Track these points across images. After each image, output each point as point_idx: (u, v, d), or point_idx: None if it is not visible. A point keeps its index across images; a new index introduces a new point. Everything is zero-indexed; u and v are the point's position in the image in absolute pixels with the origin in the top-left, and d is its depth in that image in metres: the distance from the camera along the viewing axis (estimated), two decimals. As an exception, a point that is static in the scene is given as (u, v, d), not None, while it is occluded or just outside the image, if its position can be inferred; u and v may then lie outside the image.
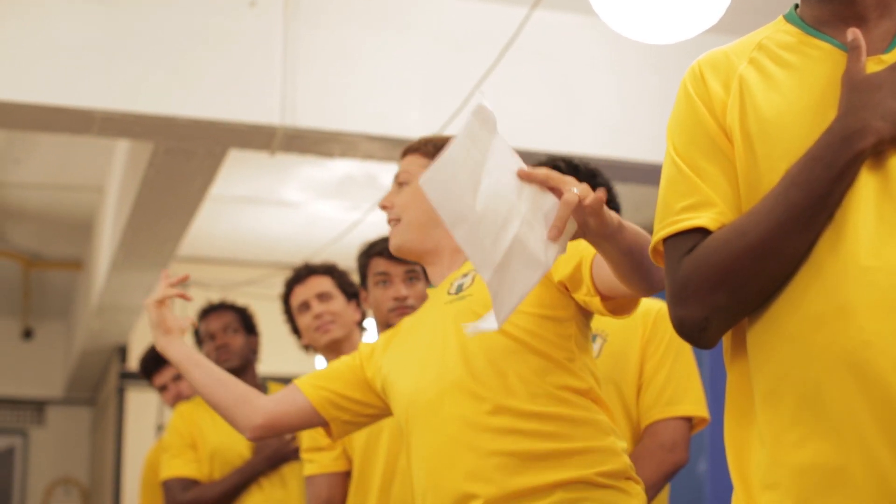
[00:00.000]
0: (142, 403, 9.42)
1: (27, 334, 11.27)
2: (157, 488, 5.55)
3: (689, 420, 3.08)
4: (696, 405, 3.10)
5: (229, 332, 4.83)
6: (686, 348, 3.16)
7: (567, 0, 5.24)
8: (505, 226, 2.02)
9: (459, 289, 2.56)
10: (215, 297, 5.42)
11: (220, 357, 4.79)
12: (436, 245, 2.67)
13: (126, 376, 9.54)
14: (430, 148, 2.74)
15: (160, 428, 8.81)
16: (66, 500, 11.34)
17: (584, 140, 5.31)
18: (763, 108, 1.68)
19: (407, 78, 5.21)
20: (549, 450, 2.37)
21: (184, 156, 5.37)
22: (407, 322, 2.76)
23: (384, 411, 2.75)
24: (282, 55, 5.03)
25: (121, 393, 9.57)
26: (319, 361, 6.42)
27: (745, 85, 1.71)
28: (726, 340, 1.74)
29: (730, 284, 1.63)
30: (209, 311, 4.93)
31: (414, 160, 2.75)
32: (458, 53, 5.28)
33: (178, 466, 4.71)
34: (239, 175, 7.41)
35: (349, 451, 3.51)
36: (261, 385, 4.90)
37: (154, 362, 5.57)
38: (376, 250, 3.56)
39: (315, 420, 2.74)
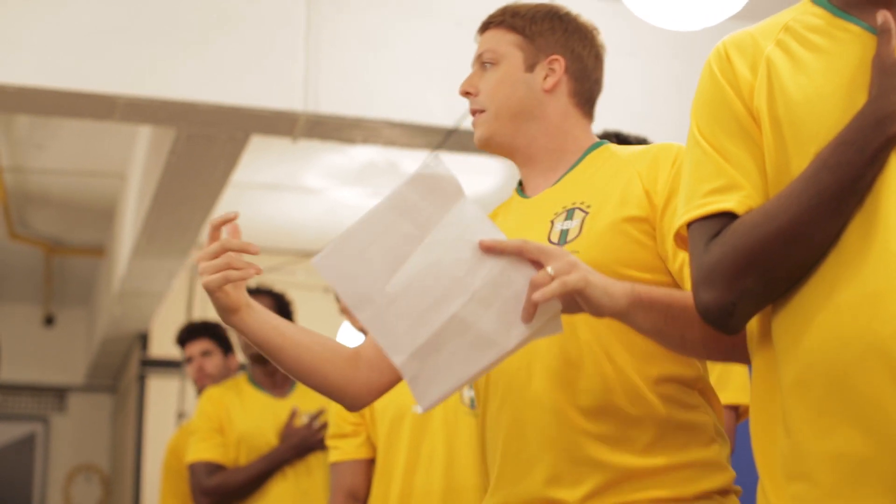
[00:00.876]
0: (163, 391, 9.44)
1: (49, 321, 11.30)
2: (178, 474, 5.56)
3: (734, 409, 3.04)
4: (741, 392, 3.03)
5: None
6: None
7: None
8: (436, 306, 1.84)
9: (563, 238, 2.14)
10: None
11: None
12: (530, 142, 2.29)
13: (147, 363, 9.56)
14: (518, 21, 2.35)
15: (181, 415, 8.82)
16: (86, 486, 11.37)
17: (608, 125, 5.27)
18: (791, 90, 1.65)
19: (430, 64, 5.20)
20: (642, 466, 2.05)
21: (206, 142, 5.37)
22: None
23: None
24: (304, 41, 5.02)
25: (142, 380, 9.58)
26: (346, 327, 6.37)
27: (773, 67, 1.68)
28: (751, 327, 1.72)
29: (758, 269, 1.60)
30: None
31: (498, 36, 2.35)
32: (482, 40, 5.26)
33: (205, 450, 4.70)
34: (260, 161, 7.40)
35: (373, 439, 3.50)
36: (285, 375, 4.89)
37: (187, 333, 5.58)
38: None
39: None
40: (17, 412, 11.36)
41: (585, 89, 2.37)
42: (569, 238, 2.11)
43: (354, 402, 2.30)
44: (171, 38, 4.89)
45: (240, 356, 5.59)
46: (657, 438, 2.05)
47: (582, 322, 2.03)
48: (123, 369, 10.76)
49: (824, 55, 1.67)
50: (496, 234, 1.87)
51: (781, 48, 1.70)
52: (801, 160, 1.61)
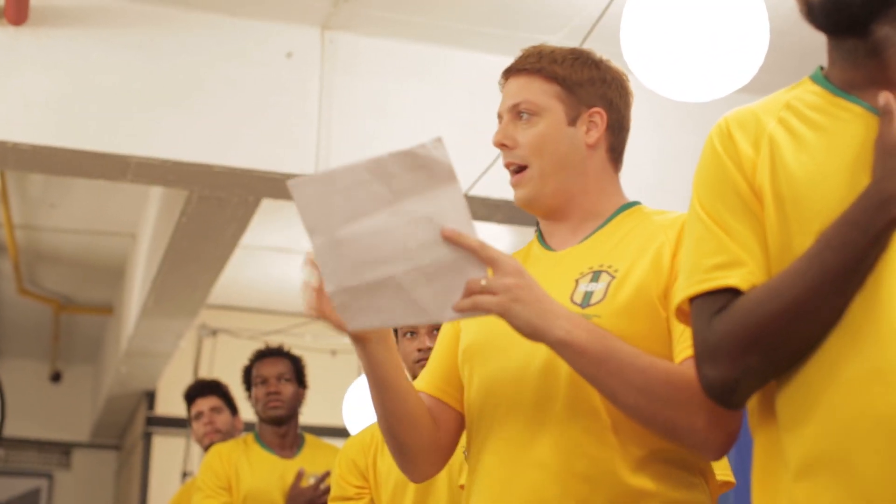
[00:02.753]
0: (168, 449, 9.43)
1: (55, 377, 11.30)
2: None
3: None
4: (722, 469, 3.06)
5: (282, 380, 4.84)
6: None
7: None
8: (376, 264, 1.97)
9: (586, 300, 2.08)
10: (245, 345, 5.43)
11: (268, 403, 4.79)
12: (569, 199, 2.20)
13: (153, 422, 9.55)
14: (557, 70, 2.22)
15: (185, 474, 8.80)
16: (89, 543, 11.35)
17: (616, 197, 5.32)
18: (794, 168, 1.66)
19: (442, 132, 5.18)
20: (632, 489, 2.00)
21: (217, 204, 5.40)
22: None
23: None
24: (317, 106, 5.06)
25: (147, 438, 9.57)
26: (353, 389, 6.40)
27: (775, 145, 1.70)
28: (752, 403, 1.72)
29: (763, 346, 1.61)
30: (265, 355, 4.94)
31: (537, 85, 2.23)
32: (494, 109, 5.27)
33: None
34: (270, 224, 7.43)
35: (376, 502, 3.50)
36: (299, 437, 4.91)
37: (198, 389, 5.59)
38: None
39: (456, 411, 2.27)
40: (22, 467, 11.34)
41: (620, 141, 2.28)
42: (592, 301, 2.06)
43: (426, 468, 2.26)
44: (186, 101, 4.93)
45: (245, 414, 5.61)
46: None
47: (586, 397, 2.02)
48: (129, 427, 10.75)
49: (826, 134, 1.68)
50: (467, 227, 1.91)
51: (783, 126, 1.71)
52: (803, 238, 1.62)
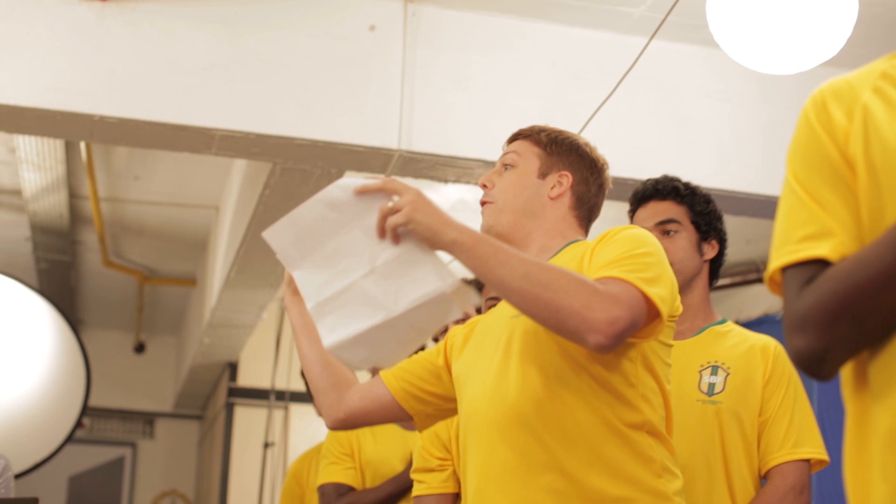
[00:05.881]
0: (250, 420, 9.52)
1: (139, 348, 11.44)
2: (297, 498, 5.65)
3: (809, 462, 3.09)
4: (818, 448, 3.11)
5: None
6: (802, 388, 3.17)
7: (684, 30, 5.22)
8: (342, 273, 2.42)
9: None
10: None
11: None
12: (525, 236, 2.65)
13: (235, 393, 9.65)
14: (543, 137, 2.73)
15: (267, 445, 8.88)
16: (172, 512, 11.50)
17: (697, 170, 5.28)
18: (888, 137, 1.64)
19: (523, 105, 5.23)
20: (595, 492, 2.35)
21: (300, 176, 5.43)
22: (482, 323, 2.73)
23: None
24: (400, 79, 5.08)
25: (229, 409, 9.67)
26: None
27: (870, 114, 1.68)
28: (846, 373, 1.72)
29: (851, 316, 1.59)
30: None
31: (524, 146, 2.73)
32: (575, 81, 5.29)
33: (336, 473, 4.76)
34: (352, 197, 7.46)
35: (459, 474, 3.52)
36: None
37: None
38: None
39: (398, 414, 2.75)
40: (106, 437, 11.51)
41: (585, 209, 2.73)
42: None
43: (322, 416, 2.77)
44: (270, 75, 4.97)
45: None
46: (609, 472, 2.36)
47: (536, 375, 2.43)
48: (211, 397, 10.87)
49: None
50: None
51: (879, 95, 1.69)
52: (896, 206, 1.61)
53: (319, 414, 2.80)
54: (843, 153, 1.69)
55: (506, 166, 2.71)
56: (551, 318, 2.24)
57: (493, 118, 5.17)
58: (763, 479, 3.12)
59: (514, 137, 2.77)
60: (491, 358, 2.53)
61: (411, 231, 2.33)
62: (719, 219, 3.32)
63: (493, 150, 5.09)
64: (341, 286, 2.42)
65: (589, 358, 2.39)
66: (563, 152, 2.72)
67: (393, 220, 2.33)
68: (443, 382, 2.72)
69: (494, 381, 2.48)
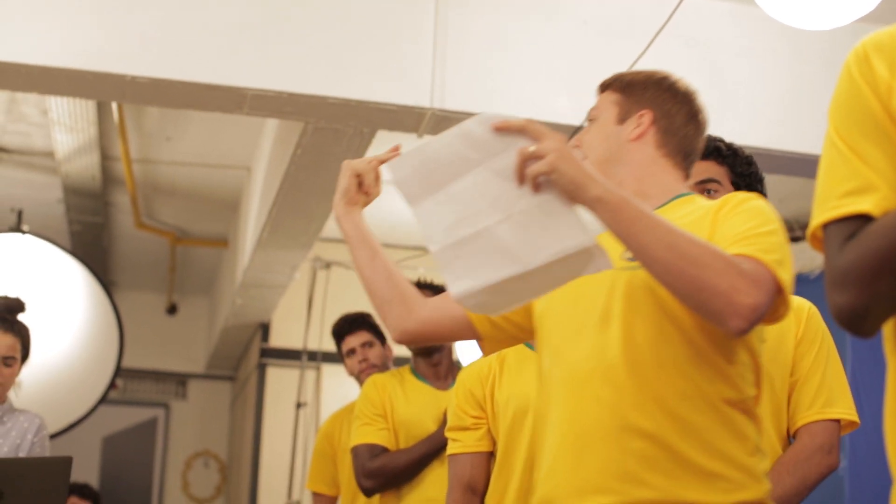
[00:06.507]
0: (282, 381, 9.55)
1: (171, 309, 11.48)
2: (329, 458, 5.68)
3: (839, 422, 3.07)
4: (849, 409, 3.09)
5: None
6: (835, 350, 3.16)
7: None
8: (474, 217, 2.22)
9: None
10: (356, 277, 5.43)
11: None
12: (617, 185, 2.38)
13: (267, 353, 9.68)
14: (620, 83, 2.63)
15: (300, 405, 8.91)
16: (205, 472, 11.54)
17: (732, 128, 5.22)
18: (932, 90, 1.63)
19: (556, 64, 5.20)
20: (686, 463, 2.27)
21: (333, 136, 5.43)
22: None
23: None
24: (432, 39, 5.06)
25: (262, 370, 9.70)
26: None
27: None
28: (888, 329, 1.70)
29: (893, 271, 1.58)
30: None
31: (604, 97, 2.63)
32: (608, 39, 5.26)
33: (369, 434, 4.77)
34: (384, 157, 7.45)
35: (493, 433, 3.52)
36: (454, 367, 4.95)
37: (347, 325, 5.64)
38: None
39: (468, 333, 2.65)
40: (139, 397, 11.57)
41: (674, 144, 2.59)
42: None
43: (390, 328, 2.67)
44: (302, 35, 4.96)
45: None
46: (703, 445, 2.28)
47: (642, 334, 2.32)
48: (243, 358, 10.91)
49: None
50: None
51: None
52: (940, 160, 1.59)
53: (387, 326, 2.69)
54: (885, 107, 1.66)
55: (590, 121, 2.63)
56: (694, 295, 2.15)
57: (525, 77, 5.15)
58: (791, 438, 3.11)
59: (599, 91, 2.67)
60: (588, 310, 2.41)
61: (553, 182, 2.16)
62: (760, 181, 3.30)
63: (525, 109, 5.09)
64: (472, 231, 2.23)
65: (696, 328, 2.30)
66: (639, 91, 2.61)
67: (535, 168, 2.16)
68: (522, 311, 2.60)
69: (593, 336, 2.37)
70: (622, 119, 2.58)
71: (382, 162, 2.72)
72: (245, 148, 8.02)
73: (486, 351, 2.76)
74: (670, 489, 2.25)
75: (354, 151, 5.63)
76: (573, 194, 2.16)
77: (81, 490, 8.36)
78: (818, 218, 1.69)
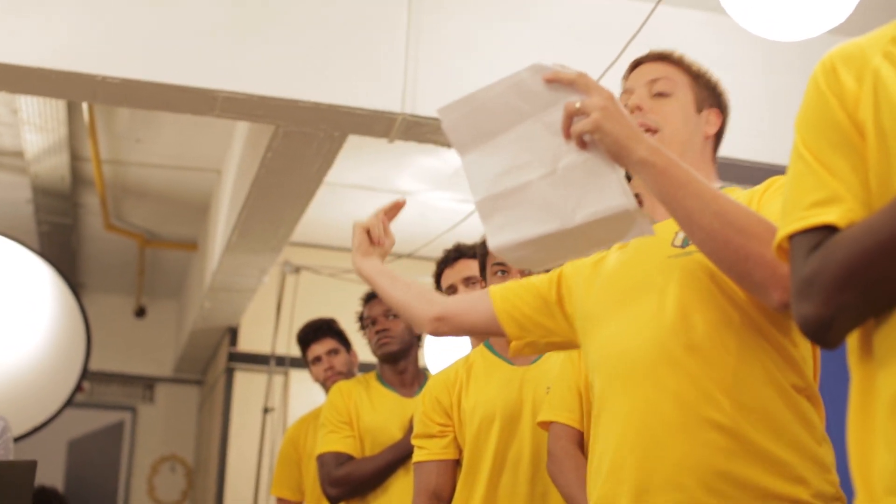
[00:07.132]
0: (249, 385, 9.52)
1: (140, 312, 11.44)
2: (294, 464, 5.66)
3: None
4: None
5: (390, 316, 4.86)
6: None
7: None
8: (519, 170, 2.20)
9: (686, 241, 2.30)
10: (327, 282, 5.44)
11: (379, 341, 4.83)
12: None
13: (235, 357, 9.64)
14: (690, 66, 2.54)
15: (267, 410, 8.88)
16: (171, 476, 11.50)
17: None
18: (898, 102, 1.63)
19: (528, 71, 5.19)
20: (761, 454, 2.18)
21: (303, 139, 5.41)
22: (615, 257, 2.49)
23: (571, 342, 2.58)
24: (405, 42, 5.05)
25: (230, 374, 9.67)
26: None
27: (880, 78, 1.65)
28: (852, 340, 1.69)
29: (858, 283, 1.57)
30: (373, 296, 4.97)
31: (672, 71, 2.51)
32: (581, 47, 5.26)
33: (335, 442, 4.76)
34: (354, 162, 7.44)
35: (459, 440, 3.51)
36: (421, 374, 4.94)
37: (312, 332, 5.63)
38: None
39: (494, 329, 2.62)
40: (106, 401, 11.52)
41: (718, 146, 2.58)
42: (690, 243, 2.28)
43: (418, 320, 2.68)
44: (273, 36, 4.94)
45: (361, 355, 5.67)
46: (773, 433, 2.20)
47: (701, 319, 2.24)
48: (211, 362, 10.88)
49: None
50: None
51: (889, 60, 1.67)
52: (905, 173, 1.58)
53: (415, 321, 2.71)
54: (852, 118, 1.66)
55: (655, 90, 2.49)
56: (738, 264, 2.04)
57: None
58: None
59: (655, 59, 2.55)
60: (644, 297, 2.32)
61: (597, 141, 2.08)
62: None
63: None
64: (516, 184, 2.20)
65: (758, 310, 2.20)
66: (710, 87, 2.55)
67: (579, 127, 2.08)
68: (552, 316, 2.56)
69: (654, 323, 2.28)
70: (699, 108, 2.51)
71: (386, 213, 2.80)
72: (215, 150, 7.99)
73: (514, 353, 2.68)
74: (748, 481, 2.16)
75: (324, 155, 5.61)
76: (617, 155, 2.08)
77: (47, 495, 8.29)
78: (784, 229, 1.69)
